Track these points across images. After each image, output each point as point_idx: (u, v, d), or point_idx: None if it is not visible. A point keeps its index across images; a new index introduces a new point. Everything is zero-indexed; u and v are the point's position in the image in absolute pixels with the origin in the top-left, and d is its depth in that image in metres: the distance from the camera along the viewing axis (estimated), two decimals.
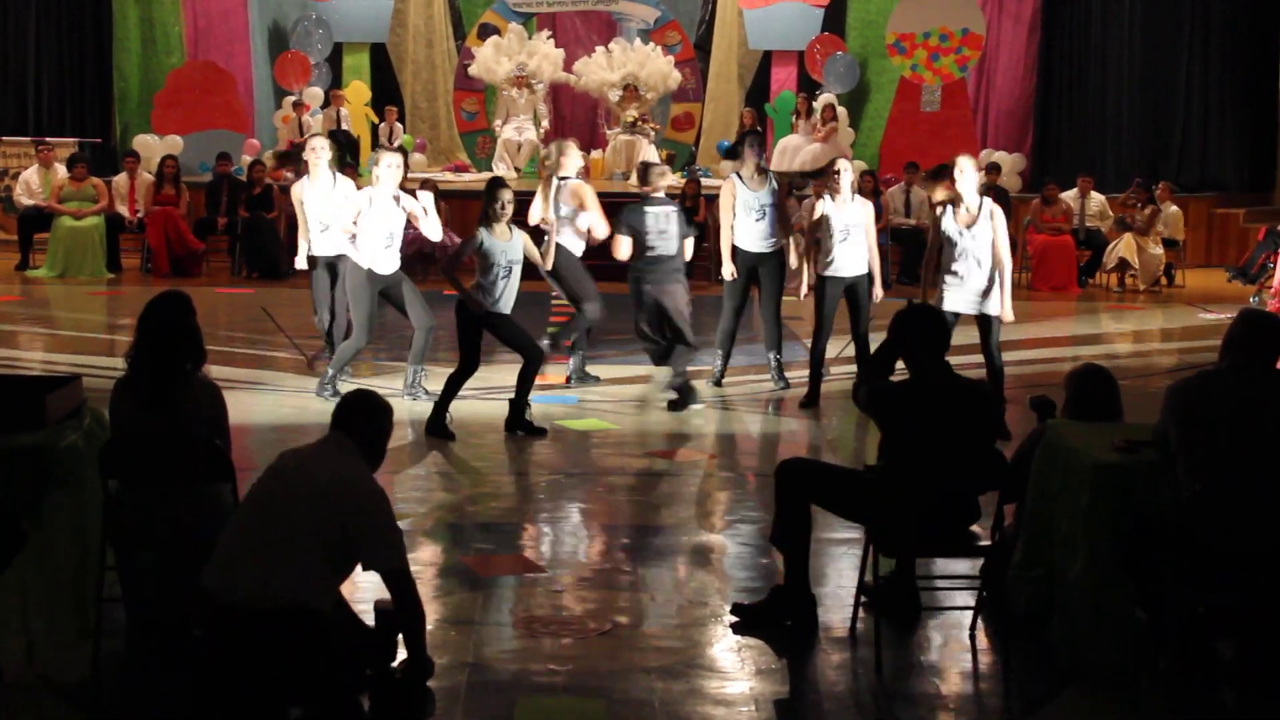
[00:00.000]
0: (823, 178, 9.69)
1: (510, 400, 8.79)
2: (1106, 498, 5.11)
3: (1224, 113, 20.14)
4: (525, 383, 8.75)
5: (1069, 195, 17.02)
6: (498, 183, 8.96)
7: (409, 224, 9.45)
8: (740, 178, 10.04)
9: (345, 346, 9.61)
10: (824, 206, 9.65)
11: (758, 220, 9.94)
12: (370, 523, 4.62)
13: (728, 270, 10.03)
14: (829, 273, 9.64)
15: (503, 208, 8.69)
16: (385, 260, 9.35)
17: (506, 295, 8.73)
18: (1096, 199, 17.14)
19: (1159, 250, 16.40)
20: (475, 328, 8.71)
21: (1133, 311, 15.16)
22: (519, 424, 8.74)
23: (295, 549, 4.51)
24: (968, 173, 8.85)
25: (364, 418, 4.82)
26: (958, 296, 8.81)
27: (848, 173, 9.69)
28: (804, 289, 9.73)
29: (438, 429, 8.64)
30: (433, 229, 9.47)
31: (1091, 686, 5.04)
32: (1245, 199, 19.46)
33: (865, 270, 9.68)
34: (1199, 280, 17.07)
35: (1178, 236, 16.98)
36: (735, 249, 10.01)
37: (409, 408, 9.31)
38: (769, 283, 10.08)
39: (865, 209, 9.72)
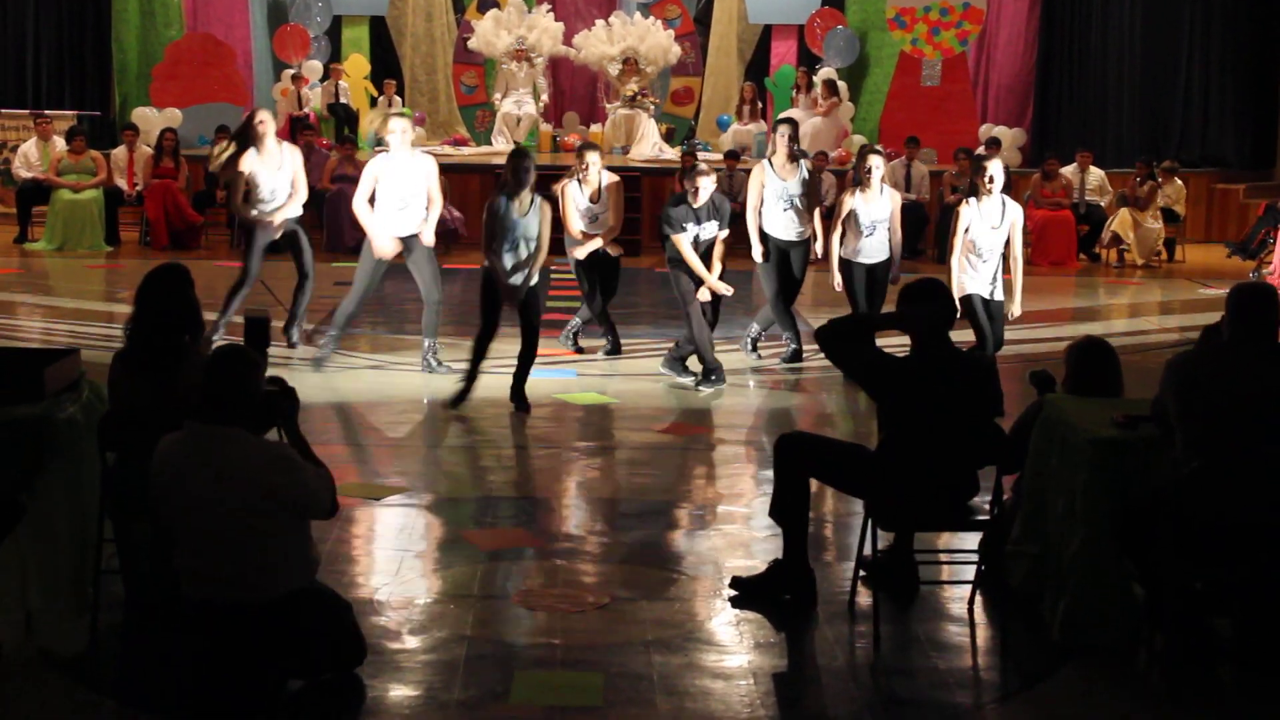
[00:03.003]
0: (850, 169, 9.77)
1: (514, 374, 8.72)
2: (1104, 474, 5.11)
3: (1225, 88, 20.06)
4: (524, 363, 8.66)
5: (1069, 170, 16.99)
6: (520, 153, 8.71)
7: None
8: (771, 165, 9.98)
9: (343, 305, 9.65)
10: (853, 202, 9.69)
11: (785, 210, 9.92)
12: (302, 490, 4.57)
13: (757, 253, 9.99)
14: (854, 259, 9.79)
15: (519, 177, 8.41)
16: (398, 223, 9.41)
17: (514, 268, 8.48)
18: (1096, 174, 17.09)
19: (1157, 225, 16.35)
20: (496, 300, 8.61)
21: (1132, 286, 15.13)
22: (518, 398, 8.69)
23: (261, 546, 4.50)
24: (997, 176, 8.98)
25: (236, 402, 4.64)
26: (976, 283, 9.06)
27: (879, 169, 9.72)
28: (835, 279, 9.80)
29: (459, 402, 8.60)
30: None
31: (1089, 662, 5.04)
32: (1245, 175, 19.41)
33: (887, 255, 9.83)
34: (1199, 256, 17.04)
35: (1179, 210, 16.96)
36: (765, 235, 9.99)
37: (425, 380, 9.36)
38: (795, 271, 10.09)
39: (893, 201, 9.82)
